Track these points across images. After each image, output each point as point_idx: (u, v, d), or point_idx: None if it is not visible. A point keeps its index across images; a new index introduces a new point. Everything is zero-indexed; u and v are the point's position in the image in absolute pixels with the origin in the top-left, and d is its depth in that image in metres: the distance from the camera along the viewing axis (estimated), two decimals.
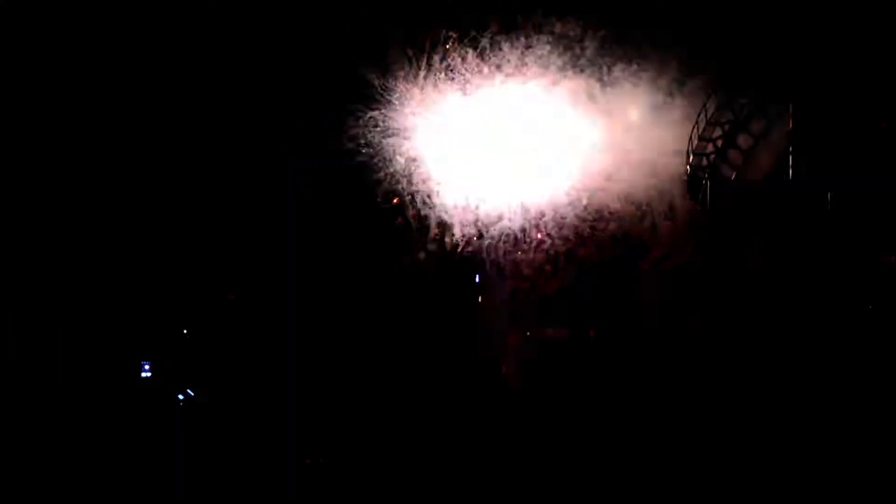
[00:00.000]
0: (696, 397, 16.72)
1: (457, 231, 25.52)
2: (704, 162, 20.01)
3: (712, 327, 18.41)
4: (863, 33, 17.13)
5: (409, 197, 25.71)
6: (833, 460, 14.27)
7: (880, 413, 14.89)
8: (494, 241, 26.44)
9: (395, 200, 25.49)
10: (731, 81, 18.95)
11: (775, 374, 16.32)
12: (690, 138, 20.30)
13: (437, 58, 24.83)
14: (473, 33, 24.66)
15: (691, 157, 20.31)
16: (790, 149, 17.56)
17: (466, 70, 25.30)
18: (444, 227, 25.38)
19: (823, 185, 17.25)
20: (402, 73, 24.96)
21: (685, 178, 20.56)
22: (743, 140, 19.49)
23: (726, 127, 19.44)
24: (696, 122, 19.98)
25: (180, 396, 17.48)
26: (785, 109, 17.83)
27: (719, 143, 19.68)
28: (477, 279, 25.54)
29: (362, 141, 24.36)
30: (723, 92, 19.01)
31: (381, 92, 24.81)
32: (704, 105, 19.72)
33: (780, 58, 17.70)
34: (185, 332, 17.92)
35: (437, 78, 25.17)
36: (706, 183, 19.95)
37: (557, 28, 25.01)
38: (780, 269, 17.60)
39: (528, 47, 24.90)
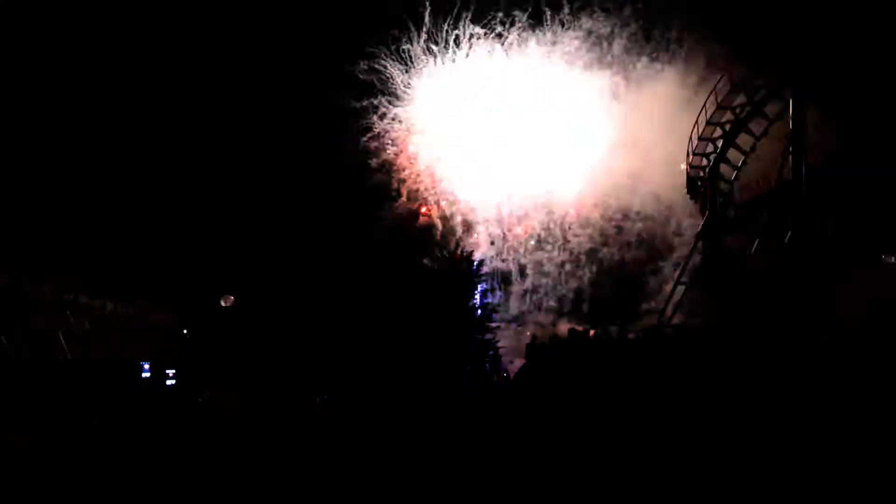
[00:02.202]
0: (709, 398, 16.20)
1: (481, 229, 25.24)
2: (704, 162, 19.35)
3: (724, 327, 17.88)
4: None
5: (434, 196, 25.45)
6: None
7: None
8: (518, 240, 25.99)
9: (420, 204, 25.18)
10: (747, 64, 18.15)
11: (787, 373, 15.76)
12: (690, 138, 19.65)
13: (462, 54, 24.51)
14: (500, 29, 24.25)
15: (691, 157, 19.70)
16: (790, 149, 16.72)
17: (492, 67, 24.90)
18: (468, 225, 25.11)
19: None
20: (426, 70, 24.70)
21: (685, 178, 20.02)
22: (742, 140, 18.71)
23: (727, 126, 18.74)
24: (696, 122, 19.34)
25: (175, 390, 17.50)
26: (785, 107, 17.02)
27: (719, 143, 18.98)
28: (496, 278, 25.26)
29: (386, 139, 24.19)
30: (735, 77, 18.19)
31: (405, 89, 24.57)
32: (704, 105, 19.03)
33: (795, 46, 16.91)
34: (185, 332, 18.06)
35: (461, 75, 24.85)
36: (705, 183, 19.33)
37: (584, 24, 24.46)
38: (783, 271, 16.92)
39: (554, 43, 24.39)
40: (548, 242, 25.28)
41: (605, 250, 24.78)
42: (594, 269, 25.00)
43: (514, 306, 26.30)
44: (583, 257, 25.02)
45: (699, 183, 19.58)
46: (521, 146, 25.00)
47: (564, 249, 25.19)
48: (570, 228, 25.14)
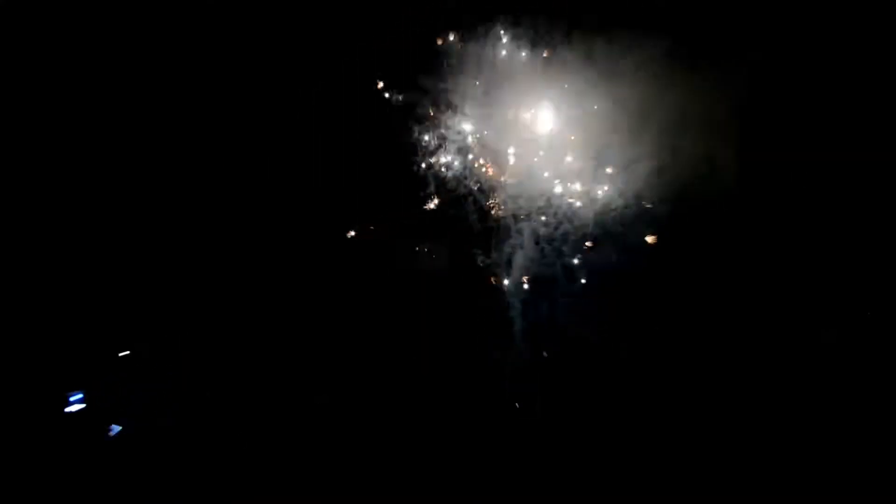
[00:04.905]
0: (703, 398, 16.35)
1: (495, 223, 25.03)
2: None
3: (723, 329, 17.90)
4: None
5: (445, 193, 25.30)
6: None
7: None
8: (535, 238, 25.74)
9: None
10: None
11: (776, 376, 15.93)
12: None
13: (475, 43, 24.33)
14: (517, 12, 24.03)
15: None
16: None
17: (507, 54, 24.70)
18: (483, 225, 24.92)
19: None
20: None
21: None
22: None
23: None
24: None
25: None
26: None
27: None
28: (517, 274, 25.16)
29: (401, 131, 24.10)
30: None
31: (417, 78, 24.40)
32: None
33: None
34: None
35: (475, 63, 24.65)
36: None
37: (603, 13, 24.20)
38: (781, 274, 16.78)
39: (571, 30, 24.08)
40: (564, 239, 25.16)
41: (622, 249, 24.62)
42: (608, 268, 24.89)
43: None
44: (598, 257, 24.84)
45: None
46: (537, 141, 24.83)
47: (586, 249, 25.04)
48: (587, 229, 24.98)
